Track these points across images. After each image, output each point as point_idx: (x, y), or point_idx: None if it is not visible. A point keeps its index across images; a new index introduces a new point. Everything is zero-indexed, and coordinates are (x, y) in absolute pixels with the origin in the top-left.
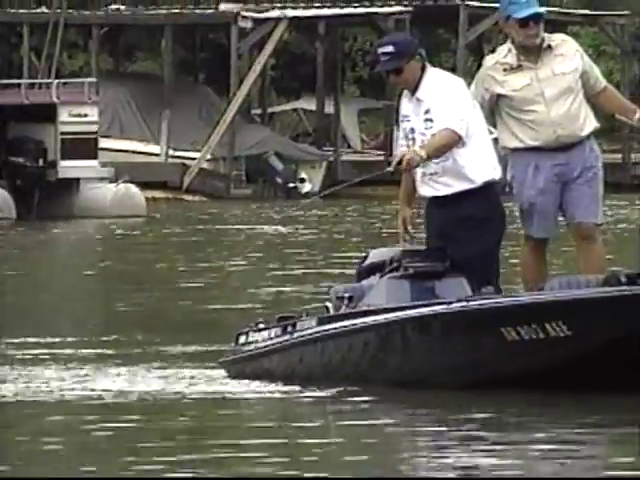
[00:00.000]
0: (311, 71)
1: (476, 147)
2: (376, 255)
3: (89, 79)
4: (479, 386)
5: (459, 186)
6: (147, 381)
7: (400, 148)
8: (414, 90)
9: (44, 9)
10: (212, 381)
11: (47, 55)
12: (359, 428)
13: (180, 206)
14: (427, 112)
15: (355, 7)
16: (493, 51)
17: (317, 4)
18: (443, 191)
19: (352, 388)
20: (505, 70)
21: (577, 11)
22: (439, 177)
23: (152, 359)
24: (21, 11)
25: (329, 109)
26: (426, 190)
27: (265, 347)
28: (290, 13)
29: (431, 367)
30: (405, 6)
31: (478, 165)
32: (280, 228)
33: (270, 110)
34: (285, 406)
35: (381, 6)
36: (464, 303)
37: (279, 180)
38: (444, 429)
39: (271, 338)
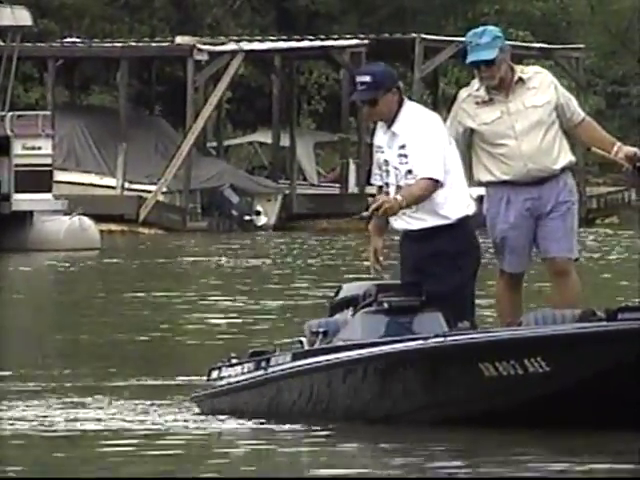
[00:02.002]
0: (267, 104)
1: (451, 185)
2: (349, 289)
3: (43, 112)
4: (456, 422)
5: (433, 221)
6: (116, 416)
7: (374, 176)
8: (390, 123)
9: None
10: (184, 416)
11: (1, 88)
12: (334, 465)
13: (136, 239)
14: (402, 147)
15: (311, 40)
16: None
17: (273, 37)
18: (417, 225)
19: (328, 424)
20: (477, 103)
21: (533, 44)
22: (413, 212)
23: (117, 392)
24: None
25: (285, 142)
26: (399, 223)
27: (238, 382)
28: (246, 46)
29: (408, 403)
30: (361, 39)
31: (453, 203)
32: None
33: (226, 143)
34: (259, 442)
35: (337, 39)
36: (441, 339)
37: (235, 213)
38: (421, 465)
39: (244, 373)
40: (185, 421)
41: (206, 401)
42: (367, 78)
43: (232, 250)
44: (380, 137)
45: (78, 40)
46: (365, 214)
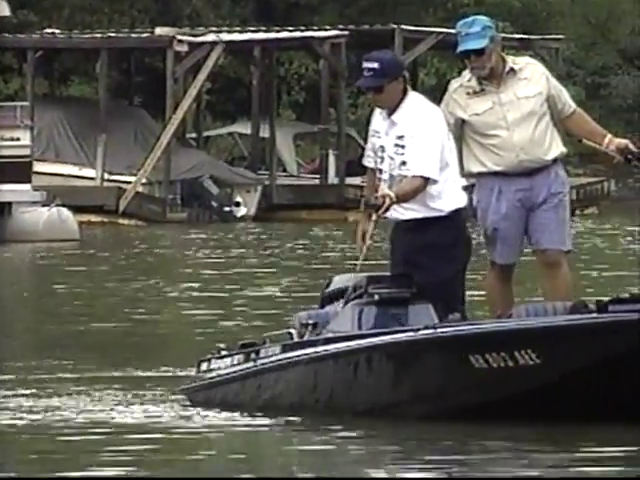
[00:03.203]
0: (247, 95)
1: (446, 179)
2: (340, 281)
3: (22, 103)
4: (446, 415)
5: (425, 213)
6: (98, 407)
7: (366, 158)
8: (391, 111)
9: None
10: (173, 408)
11: None
12: (322, 458)
13: (116, 230)
14: (400, 138)
15: (291, 31)
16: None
17: (252, 28)
18: (408, 215)
19: (316, 417)
20: (468, 94)
21: (512, 35)
22: (406, 203)
23: (99, 384)
24: None
25: (264, 133)
26: (391, 212)
27: (228, 374)
28: (226, 37)
29: (397, 395)
30: (341, 30)
31: (447, 196)
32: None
33: (205, 134)
34: (247, 435)
35: (317, 30)
36: (431, 330)
37: (214, 204)
38: (409, 458)
39: (234, 365)
40: (174, 414)
41: (195, 393)
42: (375, 65)
43: (212, 241)
44: (379, 122)
45: (57, 31)
46: (375, 218)
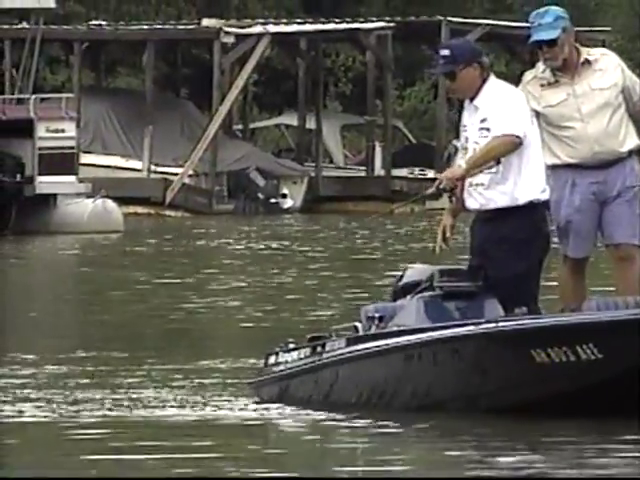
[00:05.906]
0: (293, 87)
1: (527, 163)
2: (412, 274)
3: (67, 94)
4: (507, 409)
5: (501, 202)
6: (166, 400)
7: (458, 160)
8: (473, 98)
9: (25, 24)
10: (240, 403)
11: (25, 70)
12: (379, 453)
13: (162, 222)
14: (483, 121)
15: (337, 23)
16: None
17: (299, 20)
18: (486, 205)
19: (377, 412)
20: (542, 85)
21: None
22: (484, 189)
23: (158, 377)
24: (4, 27)
25: (311, 125)
26: (470, 202)
27: (294, 368)
28: (272, 29)
29: (459, 390)
30: (387, 22)
31: (525, 183)
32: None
33: (252, 126)
34: (313, 430)
35: (363, 22)
36: (493, 324)
37: (261, 196)
38: (478, 452)
39: (301, 359)
40: (240, 409)
41: (263, 387)
42: (446, 52)
43: (258, 232)
44: (465, 115)
45: (104, 23)
46: (430, 190)
